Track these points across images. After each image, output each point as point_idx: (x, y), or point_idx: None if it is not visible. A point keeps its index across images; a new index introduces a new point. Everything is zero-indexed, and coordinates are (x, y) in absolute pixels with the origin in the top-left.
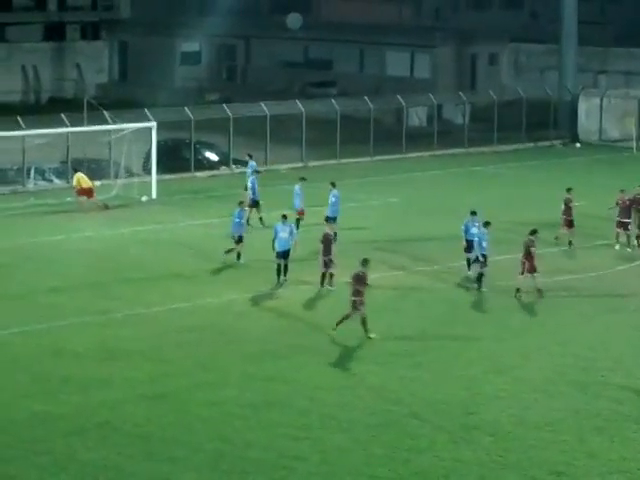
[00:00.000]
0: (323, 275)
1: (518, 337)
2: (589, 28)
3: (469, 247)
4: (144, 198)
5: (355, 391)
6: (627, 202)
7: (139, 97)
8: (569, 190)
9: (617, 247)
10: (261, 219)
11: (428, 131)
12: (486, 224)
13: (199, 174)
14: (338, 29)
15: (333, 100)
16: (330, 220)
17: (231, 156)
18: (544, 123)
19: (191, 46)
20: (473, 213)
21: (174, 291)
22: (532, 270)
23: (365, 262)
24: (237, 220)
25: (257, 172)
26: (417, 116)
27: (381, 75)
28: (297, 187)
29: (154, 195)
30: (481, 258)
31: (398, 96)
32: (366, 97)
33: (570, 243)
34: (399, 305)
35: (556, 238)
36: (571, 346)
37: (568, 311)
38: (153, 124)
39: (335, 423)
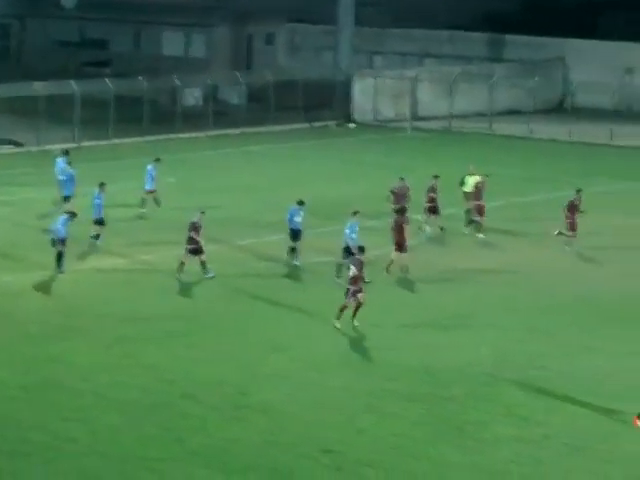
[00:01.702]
0: (182, 263)
1: (293, 316)
2: (366, 9)
3: (294, 236)
4: None
5: (130, 371)
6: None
7: None
8: (436, 177)
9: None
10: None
11: (204, 111)
12: (355, 213)
13: None
14: (114, 8)
15: (107, 80)
16: (66, 199)
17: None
18: (320, 103)
19: None
20: (300, 203)
21: None
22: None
23: (362, 249)
24: (97, 202)
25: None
26: (193, 96)
27: (157, 55)
28: (150, 167)
29: None
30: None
31: (173, 76)
32: (140, 77)
33: (440, 229)
34: (178, 285)
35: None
36: (346, 325)
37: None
38: None
39: (108, 403)
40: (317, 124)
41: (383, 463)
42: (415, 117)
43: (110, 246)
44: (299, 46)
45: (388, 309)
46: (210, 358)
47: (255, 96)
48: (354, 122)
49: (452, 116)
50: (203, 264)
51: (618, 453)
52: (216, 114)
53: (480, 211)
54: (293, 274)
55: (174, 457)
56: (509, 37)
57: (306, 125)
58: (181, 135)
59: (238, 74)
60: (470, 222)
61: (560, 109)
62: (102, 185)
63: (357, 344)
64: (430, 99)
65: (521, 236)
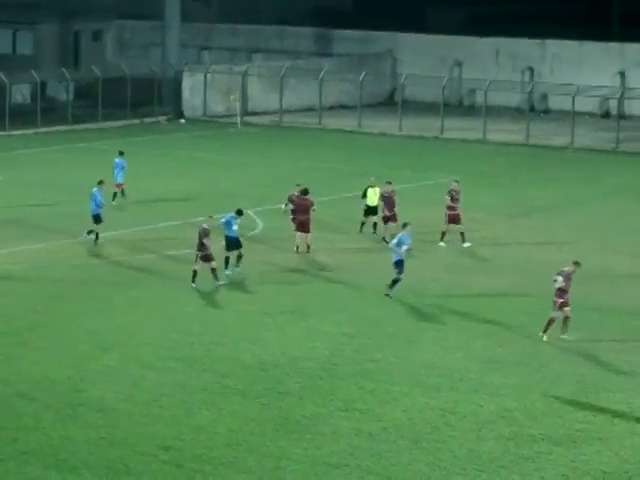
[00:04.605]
0: (195, 272)
1: (124, 313)
2: (193, 5)
3: (229, 245)
4: None
5: None
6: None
7: None
8: (390, 183)
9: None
10: None
11: (32, 108)
12: (239, 212)
13: None
14: None
15: None
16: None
17: None
18: (149, 99)
19: None
20: (239, 212)
21: None
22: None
23: (577, 264)
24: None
25: None
26: (21, 93)
27: None
28: (118, 160)
29: None
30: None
31: (0, 73)
32: None
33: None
34: (1, 284)
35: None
36: (178, 322)
37: (173, 285)
38: None
39: None
40: (147, 120)
41: (222, 459)
42: (245, 112)
43: None
44: (128, 42)
45: (221, 305)
46: (42, 357)
47: (83, 92)
48: (184, 118)
49: (282, 111)
50: (214, 271)
51: (451, 444)
52: (44, 111)
53: (455, 220)
54: (125, 272)
55: (8, 456)
56: (337, 32)
57: (136, 121)
58: (10, 132)
59: (65, 71)
60: (443, 234)
61: (390, 103)
62: (101, 182)
63: (184, 340)
64: (260, 94)
65: (351, 233)
